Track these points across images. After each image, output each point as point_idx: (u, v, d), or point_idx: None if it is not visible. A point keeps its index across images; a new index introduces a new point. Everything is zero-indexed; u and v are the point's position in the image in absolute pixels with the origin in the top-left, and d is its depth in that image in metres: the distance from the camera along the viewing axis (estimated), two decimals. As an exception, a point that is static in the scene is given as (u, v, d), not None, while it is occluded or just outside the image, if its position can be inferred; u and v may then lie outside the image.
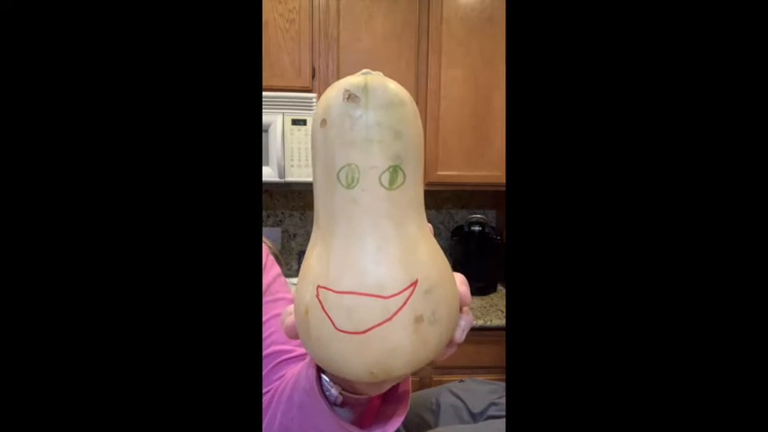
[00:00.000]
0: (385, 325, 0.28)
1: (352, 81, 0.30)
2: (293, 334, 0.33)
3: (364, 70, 0.31)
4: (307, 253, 0.32)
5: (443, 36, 1.75)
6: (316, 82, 1.73)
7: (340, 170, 0.30)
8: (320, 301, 0.29)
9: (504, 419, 1.13)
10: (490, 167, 1.82)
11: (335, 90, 0.31)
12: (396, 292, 0.28)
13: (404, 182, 0.30)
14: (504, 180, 1.73)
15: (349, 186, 0.29)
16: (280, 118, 1.66)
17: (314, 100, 1.69)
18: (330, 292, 0.29)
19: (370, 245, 0.29)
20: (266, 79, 1.65)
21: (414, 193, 0.31)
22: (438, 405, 1.23)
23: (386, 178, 0.29)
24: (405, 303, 0.28)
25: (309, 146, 1.70)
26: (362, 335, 0.28)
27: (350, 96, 0.30)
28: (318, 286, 0.30)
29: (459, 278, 0.33)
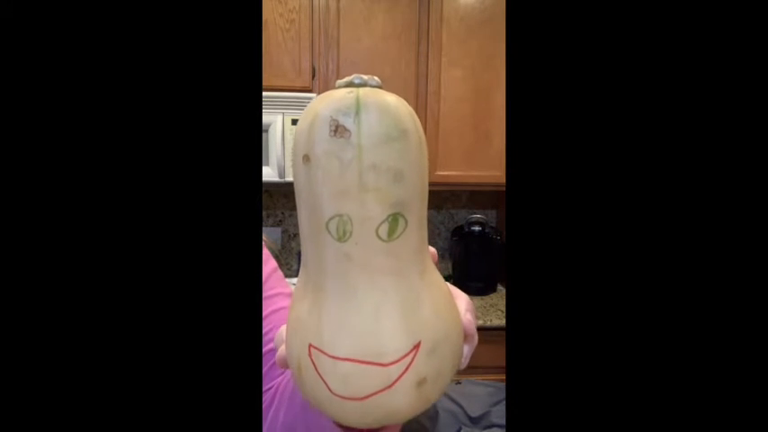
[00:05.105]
0: (385, 392, 0.26)
1: (340, 104, 0.25)
2: (286, 365, 0.31)
3: (356, 78, 0.26)
4: (295, 296, 0.29)
5: (443, 36, 1.75)
6: (316, 82, 1.73)
7: (329, 221, 0.25)
8: (313, 363, 0.27)
9: (504, 428, 1.13)
10: (490, 167, 1.83)
11: (320, 118, 0.25)
12: (397, 358, 0.25)
13: (405, 229, 0.26)
14: (504, 180, 1.73)
15: (341, 240, 0.25)
16: (280, 118, 1.66)
17: (314, 100, 1.69)
18: (324, 355, 0.26)
19: (367, 306, 0.26)
20: (266, 79, 1.65)
21: (416, 237, 0.27)
22: (436, 411, 1.23)
23: (384, 230, 0.25)
24: (406, 369, 0.26)
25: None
26: (361, 401, 0.26)
27: (337, 129, 0.24)
28: (311, 345, 0.27)
29: (464, 303, 0.31)
